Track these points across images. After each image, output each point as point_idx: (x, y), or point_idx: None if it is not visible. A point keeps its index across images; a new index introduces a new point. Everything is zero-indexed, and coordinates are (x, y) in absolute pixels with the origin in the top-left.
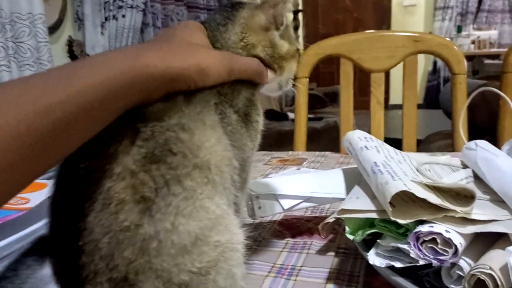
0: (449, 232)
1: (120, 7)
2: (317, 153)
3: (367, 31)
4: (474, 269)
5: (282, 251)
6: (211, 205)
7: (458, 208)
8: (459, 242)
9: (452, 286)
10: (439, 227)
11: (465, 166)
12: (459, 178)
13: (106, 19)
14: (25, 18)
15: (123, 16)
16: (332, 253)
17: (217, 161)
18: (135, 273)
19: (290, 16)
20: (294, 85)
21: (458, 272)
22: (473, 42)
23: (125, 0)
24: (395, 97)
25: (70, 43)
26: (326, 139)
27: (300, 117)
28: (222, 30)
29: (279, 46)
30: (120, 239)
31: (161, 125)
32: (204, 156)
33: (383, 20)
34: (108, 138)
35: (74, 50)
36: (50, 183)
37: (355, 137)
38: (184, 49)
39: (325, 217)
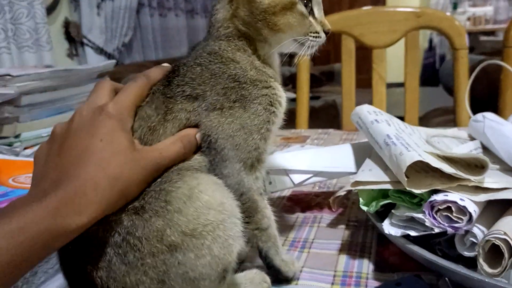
0: (464, 200)
1: None
2: (320, 130)
3: (369, 7)
4: (488, 235)
5: (293, 225)
6: (205, 175)
7: (472, 177)
8: (473, 209)
9: (466, 252)
10: (454, 196)
11: (472, 139)
12: (469, 149)
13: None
14: None
15: None
16: (343, 226)
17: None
18: None
19: None
20: (317, 37)
21: (471, 239)
22: (468, 19)
23: None
24: (393, 75)
25: (67, 24)
26: (324, 118)
27: (302, 94)
28: (213, 13)
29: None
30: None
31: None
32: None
33: None
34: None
35: (71, 32)
36: None
37: (364, 112)
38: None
39: (333, 192)
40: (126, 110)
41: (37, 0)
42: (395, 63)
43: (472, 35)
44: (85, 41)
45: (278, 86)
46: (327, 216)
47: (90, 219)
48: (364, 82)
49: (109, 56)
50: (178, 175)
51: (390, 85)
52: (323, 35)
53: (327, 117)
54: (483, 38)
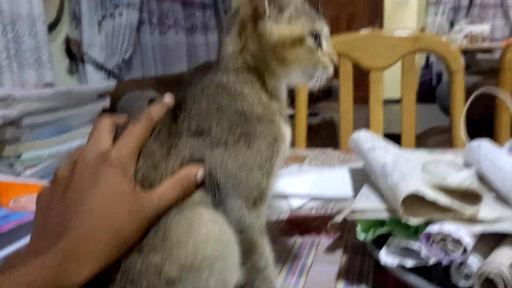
0: (459, 232)
1: (117, 5)
2: (318, 150)
3: (366, 30)
4: (483, 267)
5: (291, 248)
6: (205, 211)
7: (466, 208)
8: (468, 240)
9: (462, 282)
10: (449, 227)
11: (467, 165)
12: (464, 178)
13: (103, 17)
14: (26, 18)
15: (120, 14)
16: (340, 251)
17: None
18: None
19: None
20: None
21: (467, 270)
22: (465, 37)
23: None
24: (389, 92)
25: (68, 41)
26: (323, 135)
27: (300, 113)
28: (222, 45)
29: (267, 33)
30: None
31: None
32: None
33: (376, 15)
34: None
35: (72, 49)
36: None
37: (361, 138)
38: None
39: (331, 215)
40: (129, 156)
41: (39, 20)
42: (392, 79)
43: (469, 53)
44: (85, 57)
45: (283, 122)
46: (324, 240)
47: (92, 273)
48: (363, 99)
49: (109, 72)
50: (177, 210)
51: (387, 102)
52: (331, 68)
53: (325, 134)
54: (480, 56)
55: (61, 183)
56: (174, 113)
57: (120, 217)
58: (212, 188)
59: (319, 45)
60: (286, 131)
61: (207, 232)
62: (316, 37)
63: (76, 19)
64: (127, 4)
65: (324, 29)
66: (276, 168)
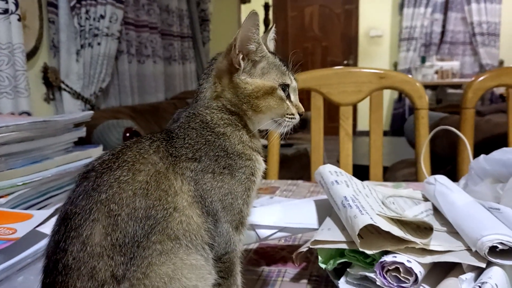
0: (410, 262)
1: (96, 35)
2: (289, 181)
3: (336, 67)
4: None
5: (258, 279)
6: (188, 257)
7: (418, 240)
8: (419, 270)
9: None
10: (402, 257)
11: (425, 199)
12: (419, 211)
13: (81, 46)
14: (5, 47)
15: (99, 44)
16: (305, 281)
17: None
18: None
19: (260, 53)
20: (292, 118)
21: None
22: (436, 72)
23: (100, 28)
24: (363, 124)
25: (45, 69)
26: (297, 166)
27: (273, 146)
28: (201, 90)
29: (242, 85)
30: None
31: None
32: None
33: (350, 49)
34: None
35: (49, 77)
36: (35, 214)
37: (326, 172)
38: None
39: (298, 246)
40: None
41: (18, 49)
42: (366, 111)
43: (440, 88)
44: (62, 86)
45: (259, 159)
46: (290, 270)
47: None
48: (335, 130)
49: (85, 101)
50: (160, 245)
51: (361, 133)
52: (297, 116)
53: (299, 165)
54: (450, 90)
55: None
56: (168, 135)
57: None
58: (208, 212)
59: (288, 96)
60: (261, 165)
61: (186, 282)
62: (285, 88)
63: (55, 48)
64: (106, 34)
65: (292, 82)
66: (252, 197)
